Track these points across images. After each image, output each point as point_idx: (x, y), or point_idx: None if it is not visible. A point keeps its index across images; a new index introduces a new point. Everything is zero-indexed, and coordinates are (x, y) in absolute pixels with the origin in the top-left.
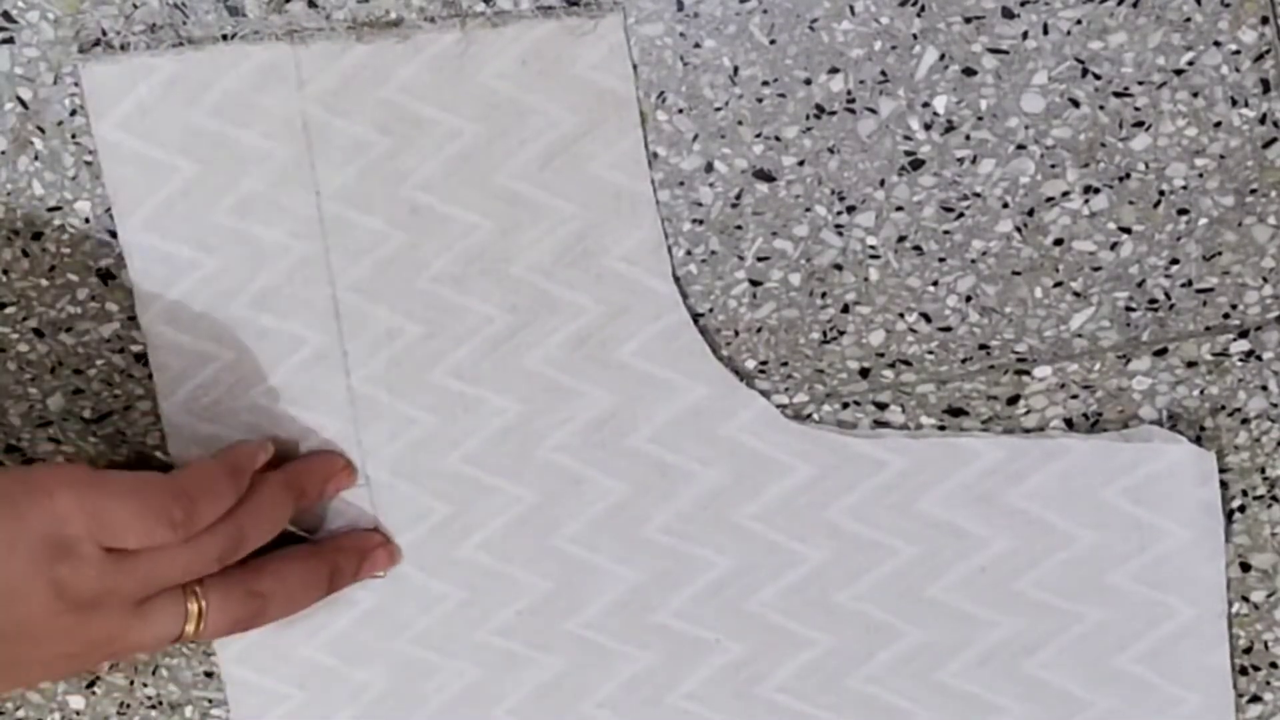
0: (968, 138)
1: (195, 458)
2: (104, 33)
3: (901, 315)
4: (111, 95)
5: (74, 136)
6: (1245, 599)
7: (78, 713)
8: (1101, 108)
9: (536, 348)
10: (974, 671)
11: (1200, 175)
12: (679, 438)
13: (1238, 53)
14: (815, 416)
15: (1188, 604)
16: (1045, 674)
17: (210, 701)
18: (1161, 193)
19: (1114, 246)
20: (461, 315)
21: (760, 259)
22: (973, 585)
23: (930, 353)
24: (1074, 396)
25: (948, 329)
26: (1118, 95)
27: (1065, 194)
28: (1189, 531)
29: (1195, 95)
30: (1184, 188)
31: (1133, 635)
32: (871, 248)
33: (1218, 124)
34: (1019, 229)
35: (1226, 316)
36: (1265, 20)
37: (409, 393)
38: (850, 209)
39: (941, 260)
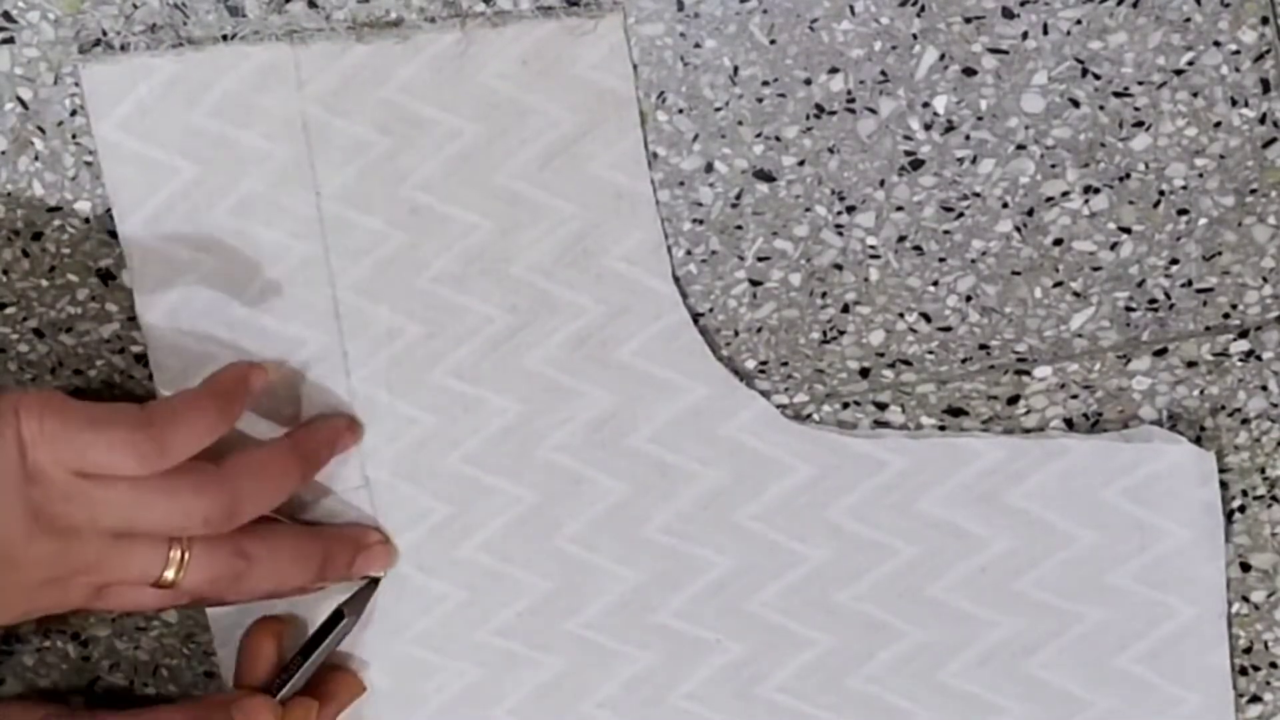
0: (968, 138)
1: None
2: (104, 33)
3: (901, 315)
4: (112, 95)
5: (74, 137)
6: (1245, 599)
7: None
8: (1101, 108)
9: (537, 348)
10: (974, 671)
11: (1200, 175)
12: (679, 438)
13: (1238, 53)
14: (815, 416)
15: (1188, 604)
16: (1045, 674)
17: None
18: (1161, 193)
19: (1114, 246)
20: (461, 315)
21: (760, 259)
22: (973, 585)
23: (930, 353)
24: (1074, 396)
25: (948, 329)
26: (1118, 95)
27: (1065, 194)
28: (1189, 532)
29: (1195, 95)
30: (1184, 188)
31: (1133, 635)
32: (871, 248)
33: (1218, 124)
34: (1019, 229)
35: (1226, 316)
36: (1265, 20)
37: (409, 393)
38: (850, 209)
39: (941, 260)
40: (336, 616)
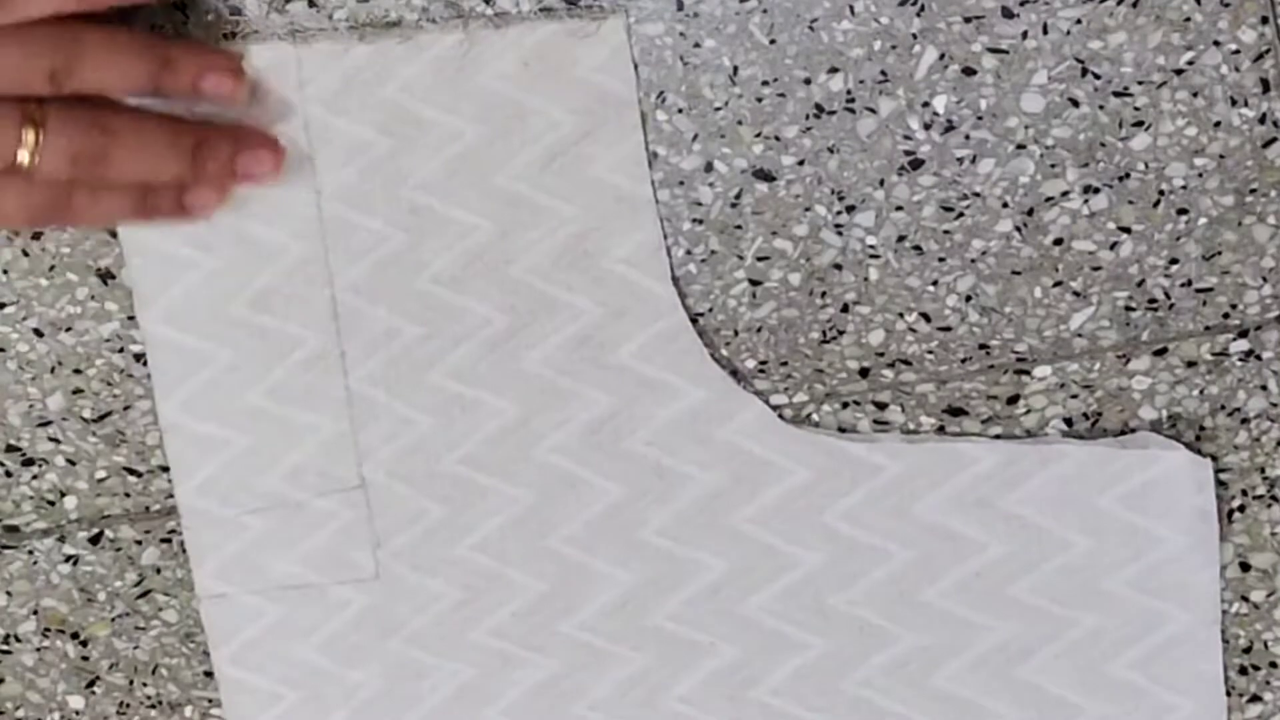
0: (967, 137)
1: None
2: None
3: (901, 315)
4: None
5: None
6: (1245, 599)
7: (77, 712)
8: (1101, 107)
9: (535, 349)
10: (968, 676)
11: (1200, 175)
12: (676, 440)
13: (1237, 52)
14: (815, 416)
15: (1182, 610)
16: (1039, 679)
17: (210, 701)
18: (1161, 192)
19: (1114, 246)
20: (460, 316)
21: (760, 259)
22: (968, 590)
23: (930, 352)
24: (1074, 396)
25: (947, 329)
26: (1117, 95)
27: (1065, 194)
28: (1184, 538)
29: (1195, 95)
30: (1184, 187)
31: (1127, 641)
32: (871, 247)
33: (1217, 124)
34: (1019, 229)
35: (1226, 316)
36: (1265, 20)
37: (407, 393)
38: (850, 209)
39: (941, 260)
40: None
